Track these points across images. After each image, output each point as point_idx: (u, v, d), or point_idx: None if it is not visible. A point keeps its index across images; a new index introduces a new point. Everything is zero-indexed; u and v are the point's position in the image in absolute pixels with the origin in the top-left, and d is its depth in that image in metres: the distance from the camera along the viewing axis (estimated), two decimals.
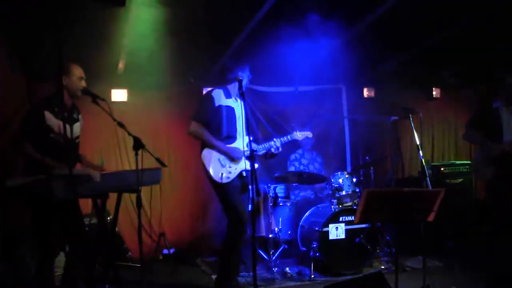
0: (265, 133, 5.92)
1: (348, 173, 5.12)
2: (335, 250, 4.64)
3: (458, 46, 5.54)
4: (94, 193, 3.42)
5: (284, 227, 5.01)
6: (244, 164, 4.07)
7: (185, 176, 6.02)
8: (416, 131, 4.09)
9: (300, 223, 5.02)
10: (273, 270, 4.66)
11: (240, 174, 4.09)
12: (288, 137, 4.41)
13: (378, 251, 4.98)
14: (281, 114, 6.16)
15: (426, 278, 3.75)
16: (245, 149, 4.05)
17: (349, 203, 4.97)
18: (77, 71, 3.48)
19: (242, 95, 3.82)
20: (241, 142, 4.11)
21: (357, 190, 5.05)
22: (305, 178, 5.23)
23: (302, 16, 4.60)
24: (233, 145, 4.10)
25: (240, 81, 3.83)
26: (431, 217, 3.22)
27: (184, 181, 6.06)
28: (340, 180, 5.01)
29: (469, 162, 6.37)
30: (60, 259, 4.14)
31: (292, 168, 5.82)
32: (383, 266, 4.85)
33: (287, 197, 5.79)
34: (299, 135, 4.49)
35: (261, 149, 4.23)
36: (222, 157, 4.03)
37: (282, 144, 4.31)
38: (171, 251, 5.50)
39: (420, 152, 4.01)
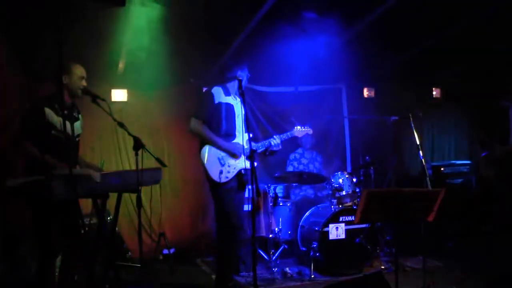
0: (265, 133, 5.91)
1: (348, 173, 5.12)
2: (335, 250, 4.64)
3: (458, 46, 5.55)
4: (94, 193, 3.41)
5: (284, 227, 5.01)
6: (243, 163, 4.07)
7: (185, 176, 6.02)
8: (416, 131, 4.09)
9: (300, 223, 5.02)
10: (273, 270, 4.66)
11: (239, 172, 4.09)
12: (288, 133, 4.40)
13: (378, 251, 4.98)
14: (281, 114, 6.15)
15: (426, 278, 3.75)
16: (245, 147, 4.05)
17: (349, 203, 4.97)
18: (78, 71, 3.48)
19: (242, 95, 3.81)
20: (240, 140, 4.11)
21: (357, 190, 5.05)
22: (305, 178, 5.23)
23: (302, 16, 4.61)
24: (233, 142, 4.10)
25: (240, 81, 3.83)
26: (431, 217, 3.22)
27: (184, 181, 6.05)
28: (340, 180, 5.01)
29: (469, 162, 6.38)
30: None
31: (292, 168, 5.82)
32: (383, 266, 4.85)
33: (287, 197, 5.79)
34: (299, 130, 4.47)
35: (260, 147, 4.22)
36: (221, 156, 4.01)
37: (282, 141, 4.30)
38: (171, 251, 5.50)
39: (420, 152, 4.01)
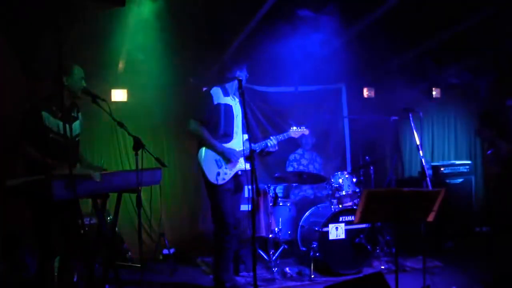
0: (265, 133, 5.91)
1: (348, 173, 5.12)
2: (335, 250, 4.64)
3: (459, 46, 5.55)
4: (94, 193, 3.42)
5: (284, 227, 5.01)
6: (240, 165, 4.08)
7: (185, 176, 6.02)
8: (416, 131, 4.09)
9: (300, 223, 5.02)
10: (273, 270, 4.66)
11: (236, 174, 4.10)
12: (285, 134, 4.41)
13: (378, 251, 4.98)
14: (281, 114, 6.15)
15: (426, 278, 3.75)
16: (242, 148, 4.05)
17: (349, 203, 4.97)
18: (78, 71, 3.49)
19: (242, 95, 3.80)
20: (238, 141, 4.11)
21: (357, 190, 5.05)
22: (305, 178, 5.22)
23: (302, 16, 4.61)
24: (229, 143, 4.11)
25: (240, 81, 3.82)
26: (431, 217, 3.23)
27: (184, 181, 6.05)
28: (340, 180, 5.01)
29: (469, 162, 6.38)
30: None
31: (291, 168, 5.82)
32: (383, 266, 4.85)
33: (287, 197, 5.79)
34: (295, 131, 4.47)
35: (257, 147, 4.23)
36: (218, 158, 4.03)
37: (279, 142, 4.31)
38: (171, 251, 5.50)
39: (420, 152, 4.01)
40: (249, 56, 4.92)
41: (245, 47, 5.07)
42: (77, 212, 3.52)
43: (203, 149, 4.03)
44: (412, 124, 4.13)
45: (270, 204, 4.94)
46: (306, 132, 4.58)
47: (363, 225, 4.71)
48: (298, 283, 4.47)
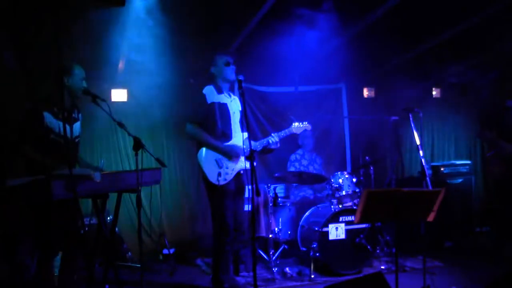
0: (264, 133, 5.90)
1: (348, 173, 5.12)
2: (335, 250, 4.64)
3: (459, 46, 5.55)
4: (94, 193, 3.42)
5: (284, 227, 5.01)
6: (241, 164, 4.04)
7: (185, 176, 6.02)
8: (416, 131, 4.09)
9: (300, 223, 5.02)
10: (273, 270, 4.66)
11: (237, 173, 4.07)
12: (287, 131, 4.31)
13: (378, 251, 4.98)
14: (280, 114, 6.15)
15: (426, 278, 3.75)
16: (243, 146, 3.98)
17: (349, 203, 4.97)
18: (79, 72, 3.48)
19: (242, 95, 3.76)
20: (238, 140, 4.05)
21: (357, 190, 5.04)
22: (305, 178, 5.22)
23: (302, 16, 4.61)
24: (230, 143, 4.07)
25: (240, 82, 3.75)
26: (431, 217, 3.23)
27: (184, 181, 6.05)
28: (340, 180, 5.00)
29: (469, 162, 6.38)
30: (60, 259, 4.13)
31: (293, 169, 5.81)
32: (383, 266, 4.85)
33: (287, 197, 5.78)
34: (297, 127, 4.35)
35: (258, 146, 4.18)
36: (219, 158, 3.99)
37: (281, 139, 4.23)
38: (171, 251, 5.50)
39: (420, 152, 4.00)
40: (249, 55, 4.93)
41: (245, 47, 5.07)
42: (77, 212, 3.53)
43: (203, 149, 4.00)
44: (412, 124, 4.13)
45: (270, 204, 4.94)
46: (309, 127, 4.45)
47: (363, 225, 4.71)
48: (298, 283, 4.47)
